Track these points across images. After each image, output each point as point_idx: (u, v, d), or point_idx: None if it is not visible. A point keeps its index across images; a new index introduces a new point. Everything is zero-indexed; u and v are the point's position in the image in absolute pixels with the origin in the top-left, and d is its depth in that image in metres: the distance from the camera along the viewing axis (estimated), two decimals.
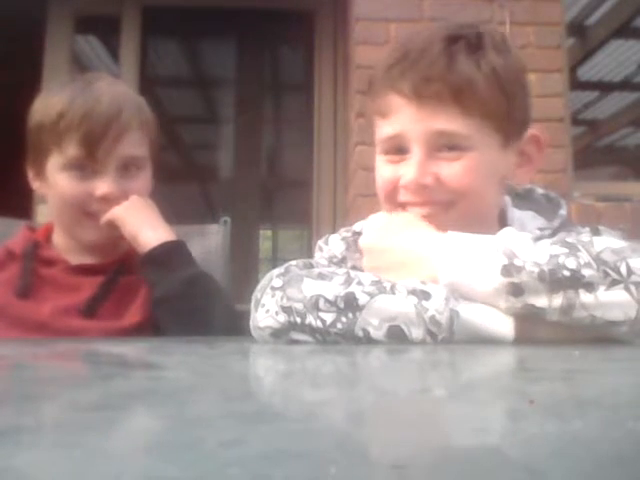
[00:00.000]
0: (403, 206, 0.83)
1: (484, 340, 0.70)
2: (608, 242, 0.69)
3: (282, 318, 0.72)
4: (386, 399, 0.37)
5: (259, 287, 0.77)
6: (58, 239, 1.13)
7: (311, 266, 0.80)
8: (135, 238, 1.05)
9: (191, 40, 4.35)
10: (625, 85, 4.57)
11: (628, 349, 0.66)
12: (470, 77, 0.78)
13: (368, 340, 0.70)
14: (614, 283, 0.66)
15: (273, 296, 0.73)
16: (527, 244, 0.70)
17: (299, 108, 3.85)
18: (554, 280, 0.67)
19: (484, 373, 0.53)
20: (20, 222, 1.24)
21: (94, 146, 1.03)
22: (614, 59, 4.27)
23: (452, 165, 0.80)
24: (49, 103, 1.06)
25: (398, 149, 0.83)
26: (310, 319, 0.71)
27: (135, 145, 1.08)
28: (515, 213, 0.88)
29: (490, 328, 0.70)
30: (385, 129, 0.84)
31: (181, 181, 4.66)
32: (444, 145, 0.80)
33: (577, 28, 3.81)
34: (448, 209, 0.81)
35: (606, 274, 0.66)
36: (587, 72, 4.34)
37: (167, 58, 4.61)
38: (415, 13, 2.47)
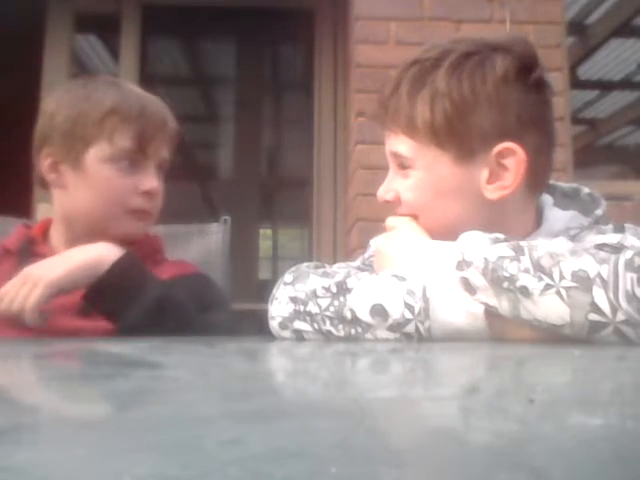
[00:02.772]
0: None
1: (459, 312, 0.71)
2: (550, 246, 0.69)
3: (290, 307, 0.80)
4: (386, 398, 0.37)
5: (276, 285, 0.85)
6: (56, 235, 1.12)
7: (322, 267, 0.87)
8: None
9: (191, 39, 4.35)
10: (625, 84, 4.57)
11: (627, 349, 0.65)
12: (404, 104, 0.83)
13: (355, 320, 0.74)
14: (547, 288, 0.66)
15: (284, 289, 0.82)
16: (483, 244, 0.72)
17: (299, 107, 3.84)
18: (494, 279, 0.69)
19: (484, 373, 0.53)
20: (19, 221, 1.24)
21: (148, 141, 1.07)
22: (614, 58, 4.27)
23: (403, 182, 0.86)
24: (93, 96, 1.07)
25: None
26: (310, 306, 0.78)
27: (169, 148, 1.13)
28: (556, 213, 0.88)
29: (462, 299, 0.72)
30: None
31: (181, 180, 4.65)
32: (399, 164, 0.86)
33: (577, 27, 3.81)
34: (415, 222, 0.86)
35: (540, 279, 0.66)
36: (587, 71, 4.34)
37: (167, 57, 4.61)
38: (416, 12, 2.47)
